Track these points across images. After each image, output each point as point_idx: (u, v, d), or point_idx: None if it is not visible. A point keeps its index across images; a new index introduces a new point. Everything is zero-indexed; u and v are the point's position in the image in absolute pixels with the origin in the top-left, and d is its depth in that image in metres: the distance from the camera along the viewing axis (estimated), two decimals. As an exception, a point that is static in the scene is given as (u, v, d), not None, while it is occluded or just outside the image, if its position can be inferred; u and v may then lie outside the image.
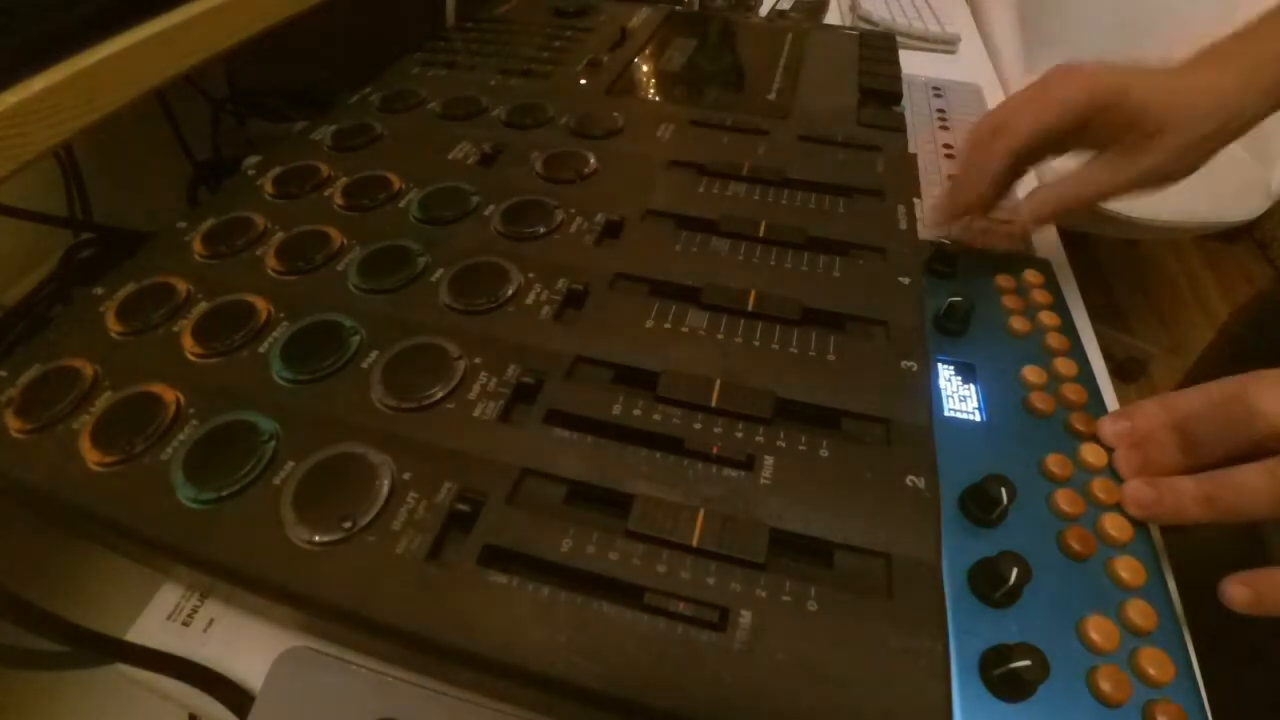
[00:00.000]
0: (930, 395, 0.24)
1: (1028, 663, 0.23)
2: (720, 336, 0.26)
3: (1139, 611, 0.25)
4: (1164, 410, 0.30)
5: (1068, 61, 0.38)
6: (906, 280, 0.28)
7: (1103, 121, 0.36)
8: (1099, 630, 0.25)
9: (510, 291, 0.28)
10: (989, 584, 0.25)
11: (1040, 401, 0.32)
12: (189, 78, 0.45)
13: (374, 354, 0.25)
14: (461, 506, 0.21)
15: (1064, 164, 0.39)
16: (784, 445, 0.22)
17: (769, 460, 0.22)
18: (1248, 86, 0.35)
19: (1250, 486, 0.25)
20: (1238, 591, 0.25)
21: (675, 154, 0.36)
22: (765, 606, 0.19)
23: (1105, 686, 0.23)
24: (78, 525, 0.23)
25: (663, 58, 0.48)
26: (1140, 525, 0.28)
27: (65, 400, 0.24)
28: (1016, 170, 0.37)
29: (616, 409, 0.23)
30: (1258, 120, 0.36)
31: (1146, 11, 1.15)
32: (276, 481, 0.22)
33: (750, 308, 0.27)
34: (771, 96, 0.42)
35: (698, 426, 0.23)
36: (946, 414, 0.32)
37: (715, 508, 0.21)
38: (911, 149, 0.37)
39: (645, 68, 0.47)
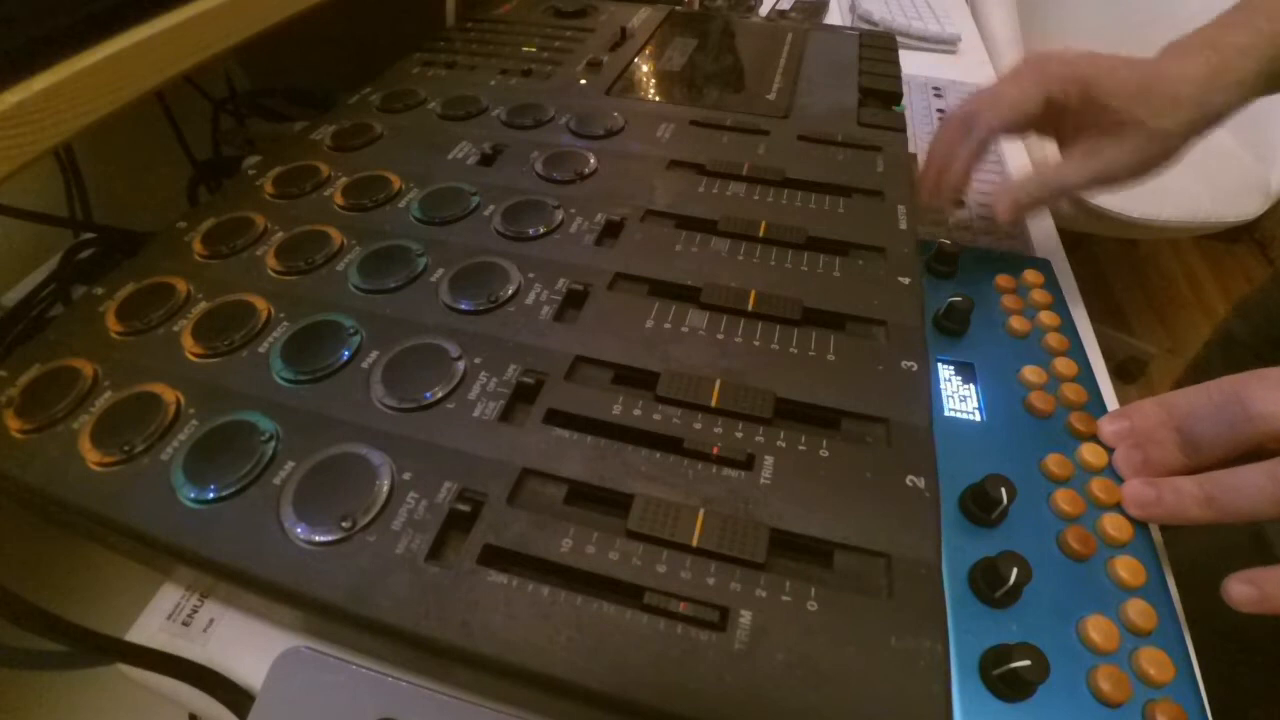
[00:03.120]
0: (930, 395, 0.24)
1: (1028, 663, 0.23)
2: (720, 336, 0.26)
3: (1139, 611, 0.25)
4: (1163, 410, 0.30)
5: (1044, 50, 0.38)
6: (906, 280, 0.28)
7: (1070, 114, 0.37)
8: (1099, 630, 0.25)
9: (510, 291, 0.28)
10: (989, 584, 0.25)
11: (1040, 401, 0.32)
12: (189, 78, 0.45)
13: (374, 354, 0.25)
14: (461, 506, 0.21)
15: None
16: (784, 445, 0.22)
17: (769, 460, 0.22)
18: (1216, 78, 0.34)
19: (1251, 488, 0.25)
20: (1241, 590, 0.25)
21: (675, 154, 0.36)
22: (765, 606, 0.19)
23: (1105, 686, 0.23)
24: (78, 525, 0.23)
25: (663, 58, 0.48)
26: (1140, 525, 0.28)
27: (65, 400, 0.24)
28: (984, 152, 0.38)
29: (616, 409, 0.23)
30: (1225, 115, 0.35)
31: (1145, 11, 1.15)
32: (276, 481, 0.22)
33: (750, 308, 0.27)
34: (771, 96, 0.42)
35: (698, 426, 0.23)
36: (946, 414, 0.32)
37: (715, 508, 0.21)
38: (911, 149, 0.37)
39: (645, 68, 0.47)
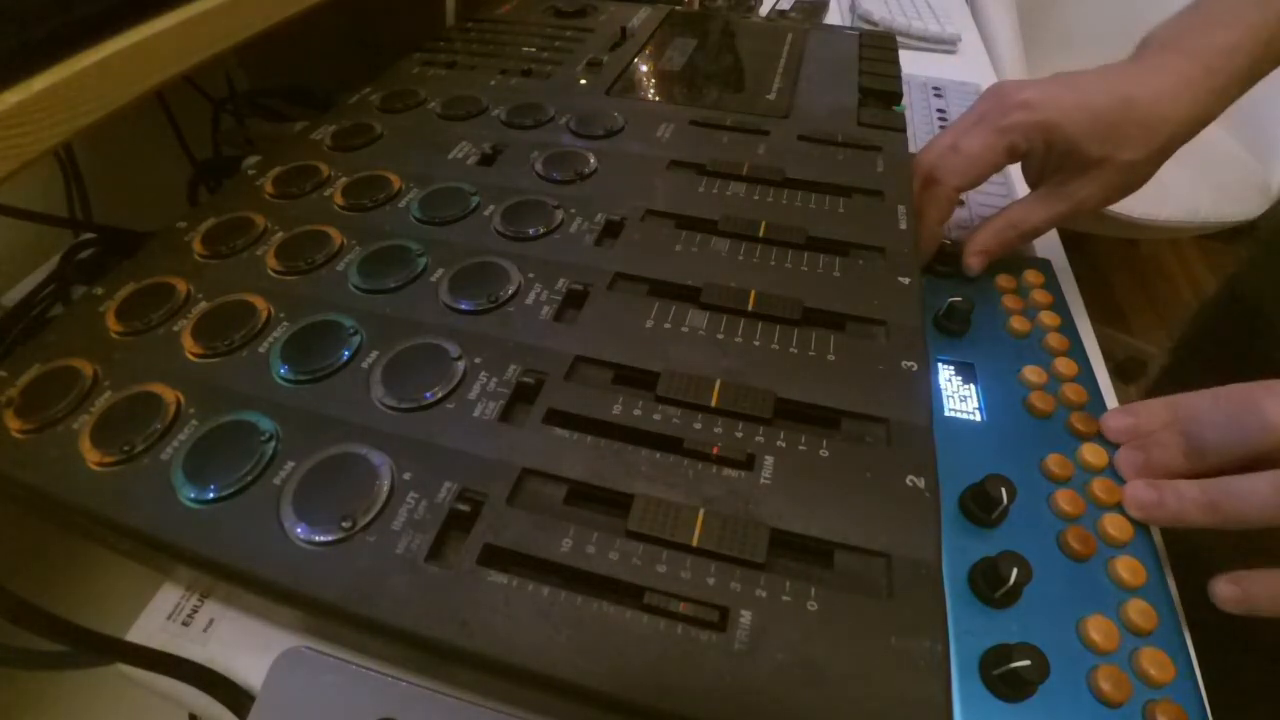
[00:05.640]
0: (930, 395, 0.24)
1: (1028, 663, 0.23)
2: (720, 336, 0.26)
3: (1139, 611, 0.25)
4: (1170, 411, 0.29)
5: (1006, 84, 0.36)
6: (906, 280, 0.28)
7: (1036, 157, 0.36)
8: (1099, 630, 0.25)
9: (510, 291, 0.28)
10: (989, 584, 0.26)
11: (1040, 401, 0.32)
12: (189, 78, 0.45)
13: (374, 354, 0.25)
14: (461, 506, 0.21)
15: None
16: (784, 445, 0.22)
17: (769, 460, 0.22)
18: (1195, 92, 0.32)
19: (1257, 496, 0.25)
20: (1226, 590, 0.25)
21: (675, 154, 0.36)
22: (765, 606, 0.19)
23: (1105, 686, 0.23)
24: (78, 525, 0.23)
25: (663, 58, 0.48)
26: (1141, 525, 0.28)
27: (65, 400, 0.24)
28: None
29: (616, 409, 0.23)
30: (1204, 126, 0.33)
31: (1146, 11, 1.15)
32: (276, 481, 0.22)
33: (750, 308, 0.27)
34: (771, 96, 0.42)
35: (698, 426, 0.23)
36: (946, 414, 0.32)
37: (715, 508, 0.21)
38: (911, 149, 0.37)
39: (645, 68, 0.47)
